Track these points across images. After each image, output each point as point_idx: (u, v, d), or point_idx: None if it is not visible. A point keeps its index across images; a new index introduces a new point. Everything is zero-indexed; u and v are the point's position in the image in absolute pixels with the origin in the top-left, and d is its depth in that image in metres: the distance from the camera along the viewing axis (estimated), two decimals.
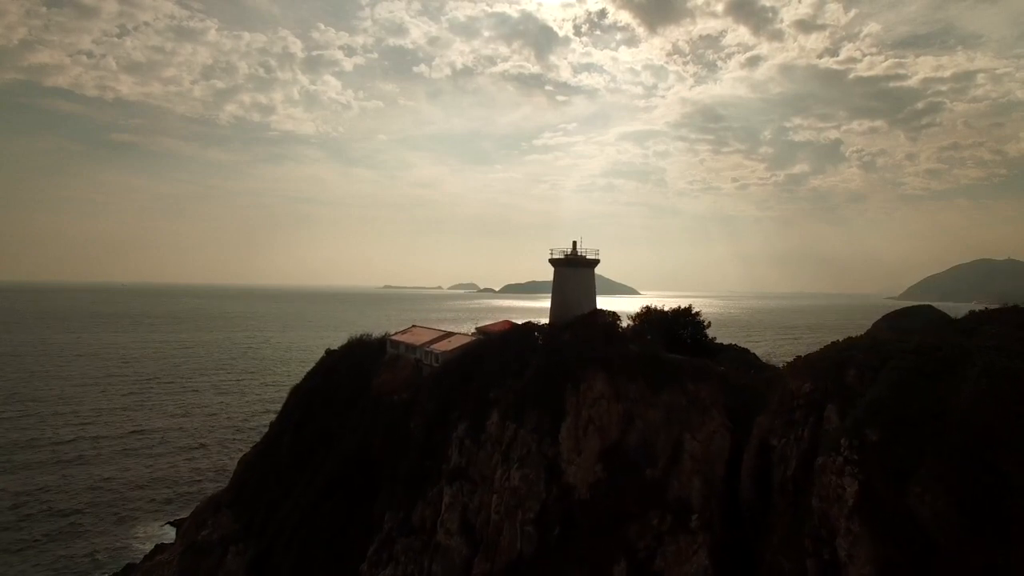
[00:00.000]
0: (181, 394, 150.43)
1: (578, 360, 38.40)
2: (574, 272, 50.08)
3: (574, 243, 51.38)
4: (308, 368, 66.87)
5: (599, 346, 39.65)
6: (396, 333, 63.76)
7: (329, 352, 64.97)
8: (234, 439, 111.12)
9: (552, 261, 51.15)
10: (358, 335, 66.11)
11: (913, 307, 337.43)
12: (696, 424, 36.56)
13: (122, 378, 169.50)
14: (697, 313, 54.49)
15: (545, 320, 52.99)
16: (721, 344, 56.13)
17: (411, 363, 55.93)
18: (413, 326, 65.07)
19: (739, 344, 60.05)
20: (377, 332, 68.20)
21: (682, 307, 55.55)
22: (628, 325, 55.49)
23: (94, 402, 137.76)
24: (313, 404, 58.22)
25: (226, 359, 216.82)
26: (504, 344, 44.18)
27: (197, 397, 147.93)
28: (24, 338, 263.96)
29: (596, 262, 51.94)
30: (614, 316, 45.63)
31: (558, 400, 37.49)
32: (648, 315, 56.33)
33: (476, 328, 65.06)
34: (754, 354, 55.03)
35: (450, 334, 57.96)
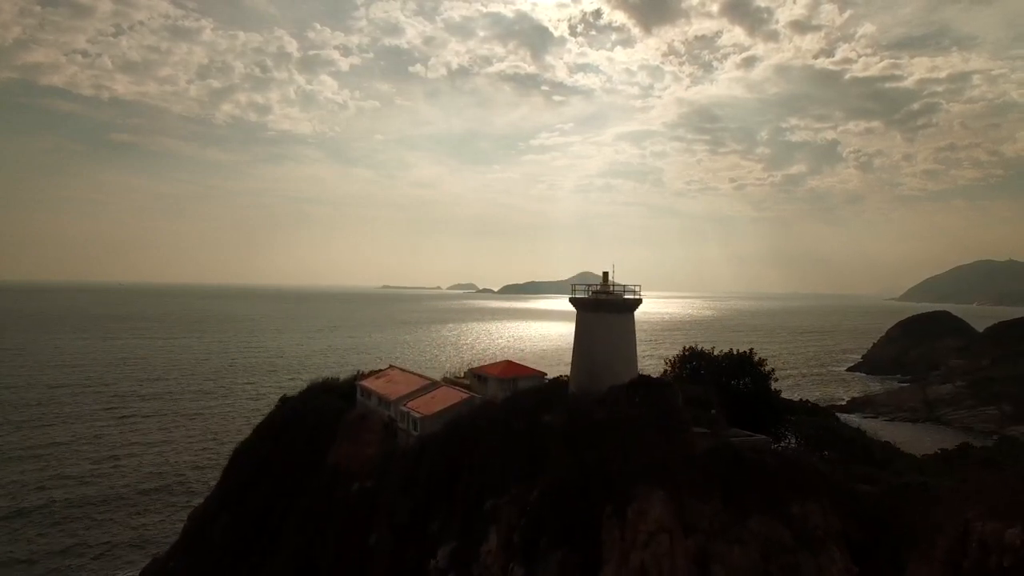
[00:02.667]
0: (157, 416, 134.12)
1: (621, 465, 25.17)
2: (607, 320, 34.50)
3: (605, 275, 36.64)
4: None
5: (651, 439, 26.32)
6: (369, 376, 50.52)
7: (284, 401, 51.54)
8: (198, 481, 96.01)
9: (574, 301, 35.93)
10: (321, 379, 52.72)
11: (929, 313, 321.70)
12: (808, 572, 23.24)
13: (97, 393, 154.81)
14: (761, 361, 41.17)
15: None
16: (789, 401, 42.77)
17: (382, 423, 42.66)
18: (390, 367, 51.74)
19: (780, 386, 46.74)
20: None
21: (738, 351, 42.23)
22: (666, 371, 42.28)
23: (59, 426, 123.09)
24: (258, 475, 44.98)
25: (214, 369, 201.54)
26: (506, 421, 30.75)
27: (173, 419, 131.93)
28: (4, 343, 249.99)
29: (637, 303, 36.73)
30: (670, 388, 31.77)
31: (591, 532, 24.26)
32: (691, 359, 42.93)
33: (469, 369, 51.92)
34: (835, 414, 41.60)
35: (435, 384, 44.58)
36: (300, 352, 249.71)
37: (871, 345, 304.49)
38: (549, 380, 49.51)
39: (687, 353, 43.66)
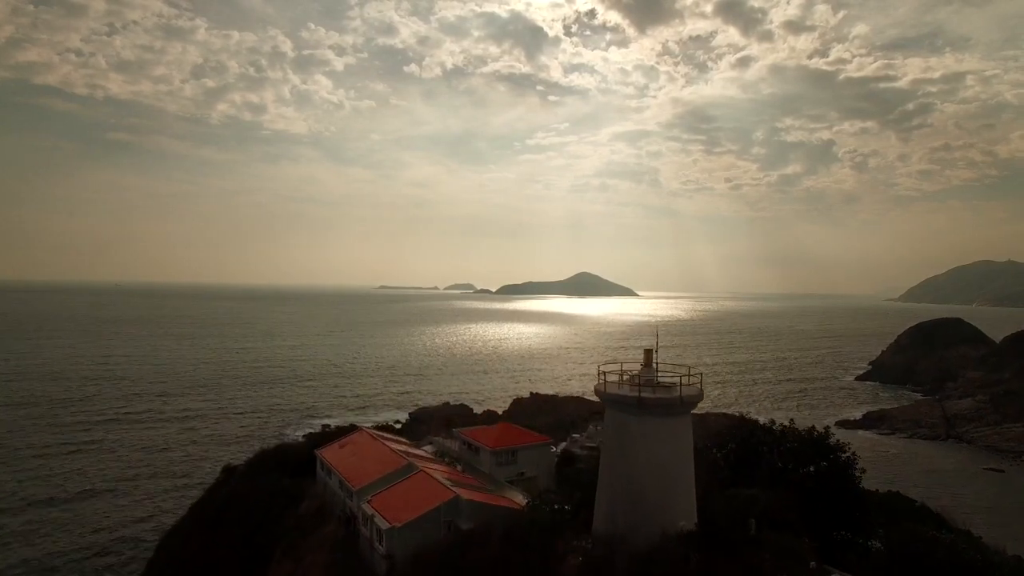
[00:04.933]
0: (128, 444, 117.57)
1: None
2: (656, 428, 22.49)
3: (648, 353, 24.74)
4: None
5: None
6: (333, 443, 40.53)
7: (228, 473, 41.53)
8: (149, 539, 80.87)
9: (603, 397, 24.23)
10: (273, 445, 42.85)
11: (940, 319, 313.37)
12: None
13: (70, 410, 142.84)
14: (840, 444, 31.32)
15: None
16: (873, 492, 32.77)
17: (341, 519, 32.73)
18: (359, 430, 41.67)
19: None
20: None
21: (809, 430, 32.34)
22: (712, 453, 32.52)
23: (19, 453, 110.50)
24: None
25: (203, 380, 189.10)
26: (503, 572, 20.67)
27: (147, 448, 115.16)
28: None
29: (698, 399, 23.89)
30: (755, 544, 21.44)
31: None
32: (744, 434, 32.89)
33: (458, 432, 42.20)
34: (938, 517, 31.55)
35: (410, 467, 34.52)
36: (285, 362, 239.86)
37: (879, 352, 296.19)
38: (559, 451, 39.87)
39: (738, 424, 33.73)
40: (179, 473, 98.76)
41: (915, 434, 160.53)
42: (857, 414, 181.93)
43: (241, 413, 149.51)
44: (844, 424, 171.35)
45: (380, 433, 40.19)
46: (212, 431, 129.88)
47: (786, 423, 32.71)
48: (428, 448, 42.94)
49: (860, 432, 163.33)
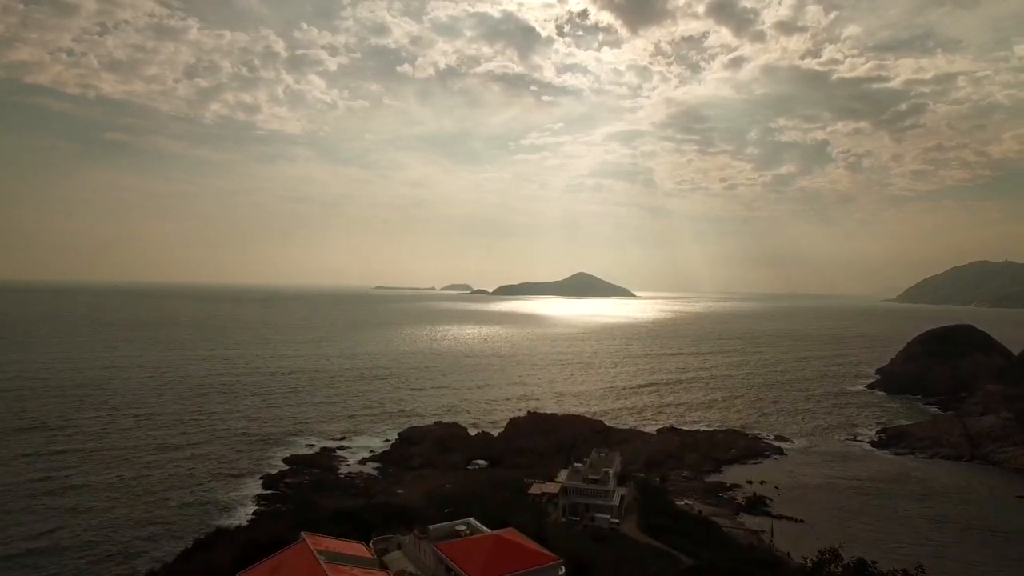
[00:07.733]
0: (69, 488, 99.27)
1: None
2: None
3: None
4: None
5: None
6: (263, 562, 30.00)
7: None
8: None
9: None
10: (200, 536, 31.75)
11: (951, 326, 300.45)
12: None
13: (24, 433, 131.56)
14: None
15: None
16: None
17: None
18: (301, 541, 30.99)
19: None
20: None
21: None
22: None
23: None
24: None
25: (181, 395, 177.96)
26: None
27: (92, 488, 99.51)
28: None
29: None
30: None
31: None
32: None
33: (433, 544, 31.70)
34: None
35: None
36: (285, 370, 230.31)
37: (887, 360, 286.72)
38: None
39: (826, 558, 23.39)
40: (132, 522, 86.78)
41: (936, 453, 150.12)
42: (872, 431, 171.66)
43: (224, 434, 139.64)
44: (861, 442, 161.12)
45: (326, 548, 29.68)
46: (187, 462, 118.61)
47: (910, 570, 22.65)
48: (395, 556, 32.44)
49: (878, 452, 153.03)
